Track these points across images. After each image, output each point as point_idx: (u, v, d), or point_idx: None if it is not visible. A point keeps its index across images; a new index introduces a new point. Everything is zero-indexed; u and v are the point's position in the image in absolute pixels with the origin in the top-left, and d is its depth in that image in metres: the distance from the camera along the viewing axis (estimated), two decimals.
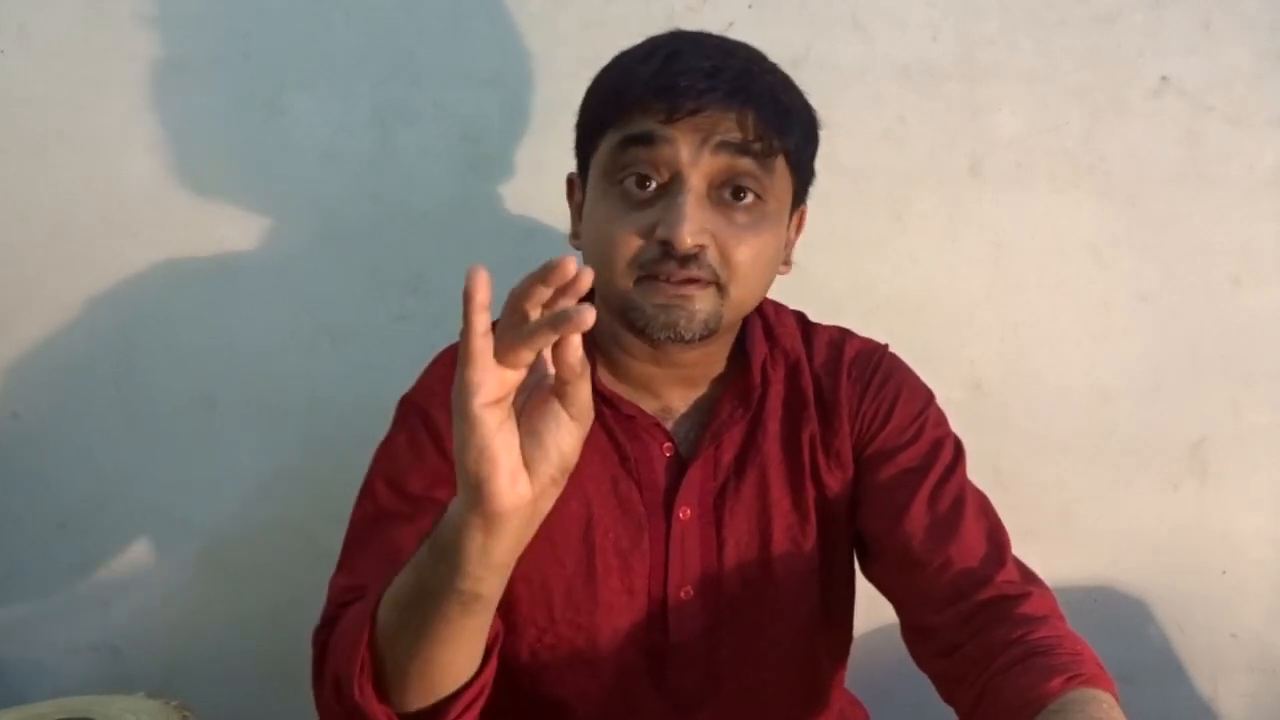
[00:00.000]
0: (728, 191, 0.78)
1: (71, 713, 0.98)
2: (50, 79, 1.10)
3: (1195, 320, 1.21)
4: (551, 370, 0.58)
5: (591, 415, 0.60)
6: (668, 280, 0.77)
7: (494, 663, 0.71)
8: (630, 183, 0.78)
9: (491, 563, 0.61)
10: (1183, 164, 1.18)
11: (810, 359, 0.90)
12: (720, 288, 0.78)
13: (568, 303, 0.54)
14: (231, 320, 1.16)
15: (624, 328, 0.82)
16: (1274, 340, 1.22)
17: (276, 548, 1.19)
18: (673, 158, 0.76)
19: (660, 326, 0.78)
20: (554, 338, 0.54)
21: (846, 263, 1.18)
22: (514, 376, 0.57)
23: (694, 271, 0.76)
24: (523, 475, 0.58)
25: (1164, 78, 1.17)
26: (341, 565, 0.82)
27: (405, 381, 0.90)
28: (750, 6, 1.13)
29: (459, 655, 0.67)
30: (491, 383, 0.55)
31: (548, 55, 1.12)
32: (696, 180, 0.76)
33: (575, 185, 0.87)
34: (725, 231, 0.77)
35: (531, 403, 0.59)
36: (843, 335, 0.93)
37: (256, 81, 1.12)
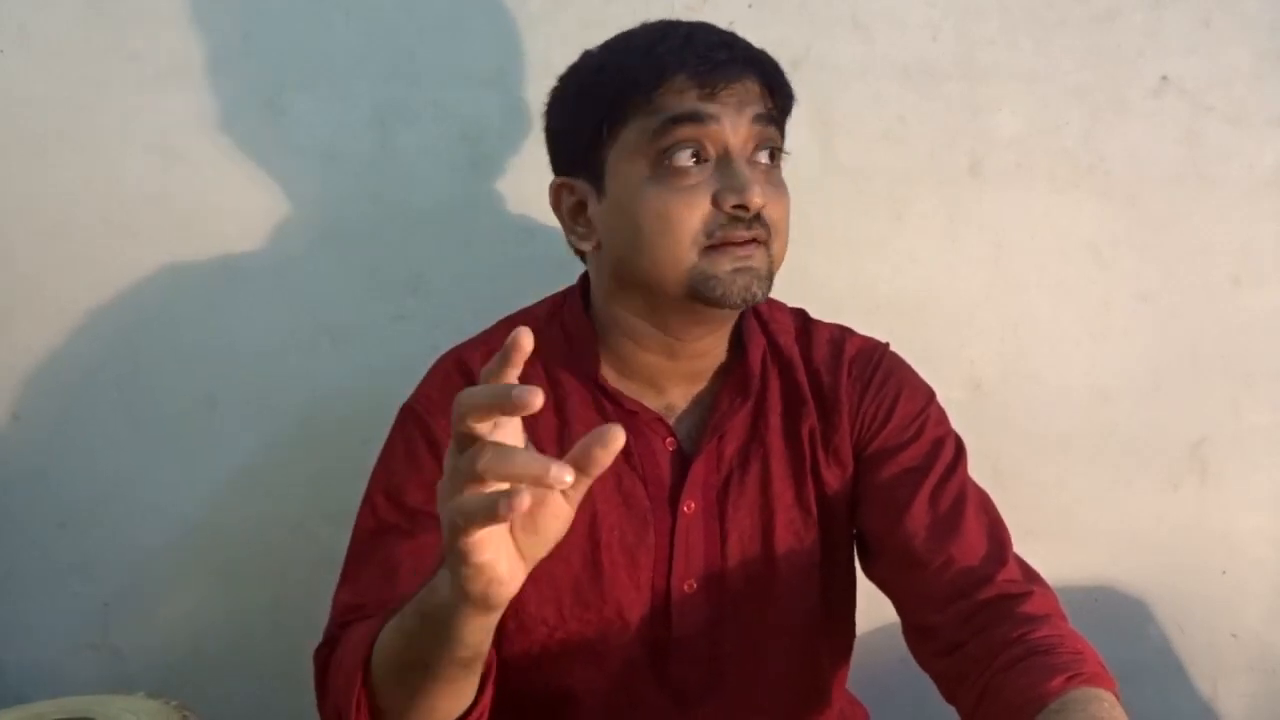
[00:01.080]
0: (762, 155, 0.81)
1: (71, 713, 0.98)
2: (50, 79, 1.10)
3: (1195, 320, 1.21)
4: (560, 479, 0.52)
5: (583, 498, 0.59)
6: (735, 244, 0.79)
7: (490, 689, 0.71)
8: (684, 158, 0.79)
9: (489, 630, 0.63)
10: (1183, 164, 1.18)
11: (808, 355, 0.91)
12: (766, 246, 0.81)
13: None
14: (232, 320, 1.16)
15: (689, 303, 0.81)
16: (1274, 340, 1.22)
17: (276, 548, 1.19)
18: (719, 132, 0.79)
19: (737, 290, 0.79)
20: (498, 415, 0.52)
21: (846, 263, 1.18)
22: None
23: (758, 231, 0.80)
24: (520, 568, 0.59)
25: (1164, 78, 1.17)
26: (344, 579, 0.83)
27: (405, 381, 0.90)
28: (750, 6, 1.13)
29: (460, 700, 0.69)
30: (490, 540, 0.55)
31: (548, 55, 1.12)
32: (740, 149, 0.80)
33: (566, 190, 0.86)
34: (765, 191, 0.80)
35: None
36: (843, 333, 0.93)
37: (256, 81, 1.12)
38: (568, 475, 0.51)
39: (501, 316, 0.94)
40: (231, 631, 1.21)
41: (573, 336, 0.88)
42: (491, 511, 0.51)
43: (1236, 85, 1.17)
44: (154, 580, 1.20)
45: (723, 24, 0.85)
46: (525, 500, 0.50)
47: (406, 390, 0.90)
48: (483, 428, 0.53)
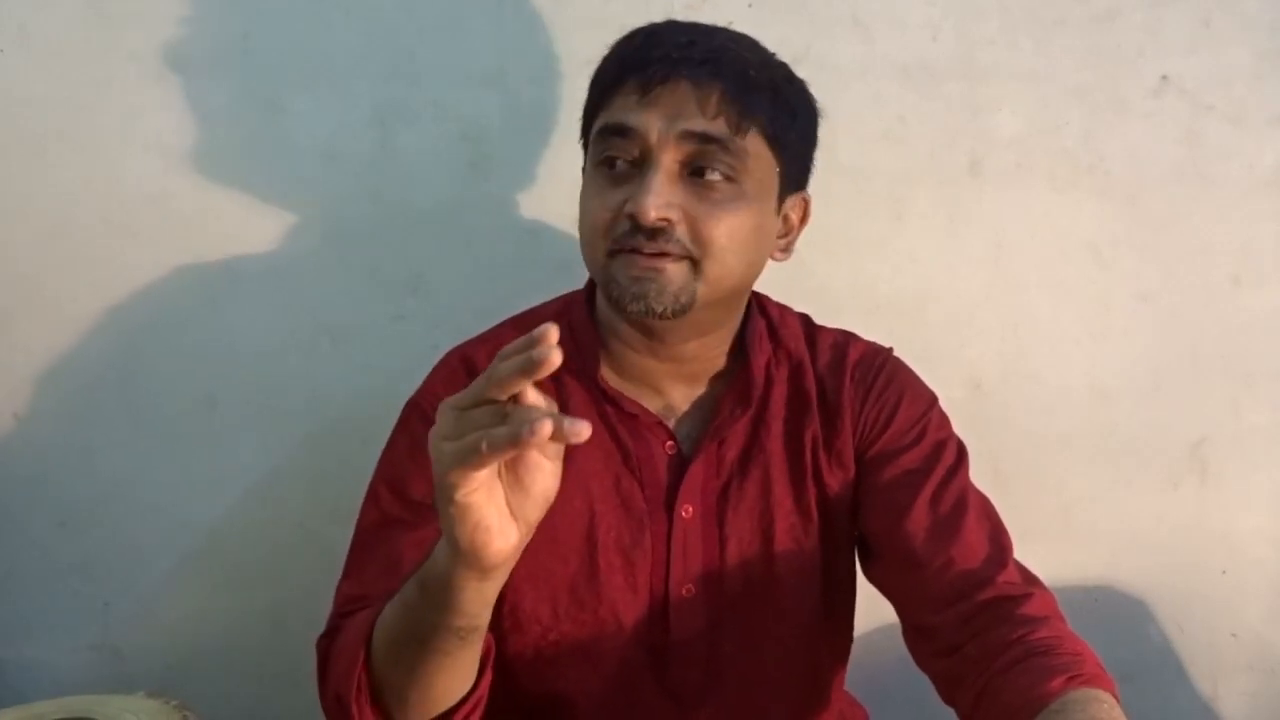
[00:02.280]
0: (699, 170, 0.79)
1: (71, 713, 0.98)
2: (50, 79, 1.10)
3: (1195, 320, 1.22)
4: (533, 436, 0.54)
5: (563, 452, 0.61)
6: (638, 253, 0.78)
7: (489, 675, 0.73)
8: (609, 161, 0.80)
9: (486, 600, 0.65)
10: (1183, 164, 1.18)
11: (814, 361, 0.91)
12: (694, 263, 0.79)
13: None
14: (232, 320, 1.16)
15: (607, 303, 0.83)
16: (1274, 340, 1.22)
17: (276, 548, 1.19)
18: (644, 141, 0.78)
19: (632, 298, 0.79)
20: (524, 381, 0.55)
21: (846, 263, 1.18)
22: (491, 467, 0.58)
23: (663, 245, 0.78)
24: (511, 526, 0.60)
25: (1164, 77, 1.17)
26: (347, 572, 0.84)
27: (405, 381, 0.90)
28: (750, 6, 1.13)
29: (457, 679, 0.70)
30: (478, 479, 0.57)
31: (548, 55, 1.12)
32: (667, 159, 0.78)
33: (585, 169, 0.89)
34: (697, 208, 0.78)
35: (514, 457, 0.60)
36: (847, 338, 0.93)
37: (256, 81, 1.12)
38: (583, 430, 0.53)
39: (506, 316, 0.94)
40: (231, 631, 1.21)
41: (577, 338, 0.88)
42: (515, 436, 0.53)
43: (1236, 85, 1.17)
44: (154, 580, 1.20)
45: (722, 24, 0.85)
46: (547, 427, 0.52)
47: (406, 390, 0.90)
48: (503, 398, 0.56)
